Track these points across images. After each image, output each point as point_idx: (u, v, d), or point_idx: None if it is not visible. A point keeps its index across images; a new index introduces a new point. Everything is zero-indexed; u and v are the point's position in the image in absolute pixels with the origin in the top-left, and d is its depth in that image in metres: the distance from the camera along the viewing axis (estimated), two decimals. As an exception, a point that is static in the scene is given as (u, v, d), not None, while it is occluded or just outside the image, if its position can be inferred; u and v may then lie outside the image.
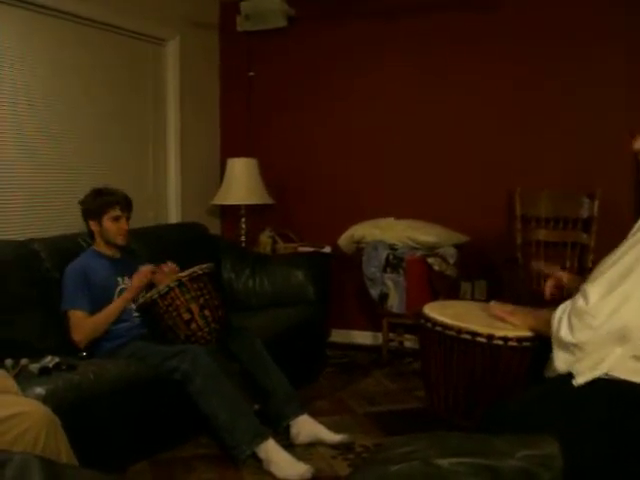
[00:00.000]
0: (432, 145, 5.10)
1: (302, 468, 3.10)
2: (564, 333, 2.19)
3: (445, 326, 2.70)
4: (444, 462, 1.18)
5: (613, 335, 2.12)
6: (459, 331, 2.64)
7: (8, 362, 3.00)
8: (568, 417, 2.05)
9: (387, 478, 1.16)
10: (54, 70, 4.21)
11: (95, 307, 3.46)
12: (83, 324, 3.42)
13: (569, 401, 2.12)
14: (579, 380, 2.15)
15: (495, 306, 2.77)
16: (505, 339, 2.55)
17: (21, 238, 3.74)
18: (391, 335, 5.01)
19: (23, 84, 4.02)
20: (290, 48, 5.54)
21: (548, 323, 2.33)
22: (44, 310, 3.49)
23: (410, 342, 5.03)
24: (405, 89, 5.17)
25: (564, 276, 2.82)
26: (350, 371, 4.75)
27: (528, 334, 2.58)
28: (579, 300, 2.19)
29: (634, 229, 2.26)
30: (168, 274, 3.60)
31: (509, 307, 2.72)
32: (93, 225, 3.62)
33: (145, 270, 3.58)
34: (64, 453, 2.20)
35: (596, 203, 4.46)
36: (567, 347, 2.19)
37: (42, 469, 0.79)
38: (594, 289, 2.18)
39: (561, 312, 2.26)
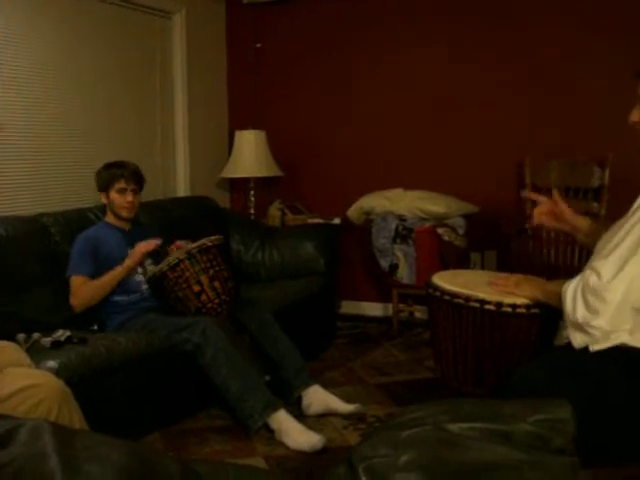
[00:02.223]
0: (441, 115, 5.06)
1: (314, 437, 3.11)
2: (581, 315, 2.17)
3: (453, 294, 2.68)
4: (455, 427, 1.18)
5: (629, 309, 2.10)
6: (467, 299, 2.62)
7: (20, 336, 3.03)
8: (581, 382, 2.05)
9: (398, 443, 1.16)
10: (61, 44, 4.19)
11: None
12: (81, 289, 3.44)
13: (582, 367, 2.11)
14: (595, 347, 2.14)
15: (497, 280, 2.74)
16: (513, 306, 2.54)
17: (31, 213, 3.75)
18: (401, 306, 5.02)
19: (31, 60, 4.00)
20: (297, 19, 5.50)
21: (557, 297, 2.31)
22: (55, 285, 3.51)
23: (420, 313, 5.04)
24: (414, 59, 5.13)
25: (565, 210, 2.70)
26: (360, 342, 4.76)
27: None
28: (592, 277, 2.17)
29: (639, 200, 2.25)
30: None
31: (513, 278, 2.70)
32: (103, 197, 3.67)
33: (151, 242, 3.56)
34: (77, 424, 2.21)
35: (607, 171, 4.42)
36: (584, 328, 2.17)
37: (53, 433, 0.79)
38: (606, 266, 2.16)
39: (573, 291, 2.23)
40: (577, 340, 2.20)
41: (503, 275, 2.79)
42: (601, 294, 2.13)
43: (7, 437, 0.80)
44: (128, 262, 3.50)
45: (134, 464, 0.82)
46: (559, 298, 2.29)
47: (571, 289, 2.24)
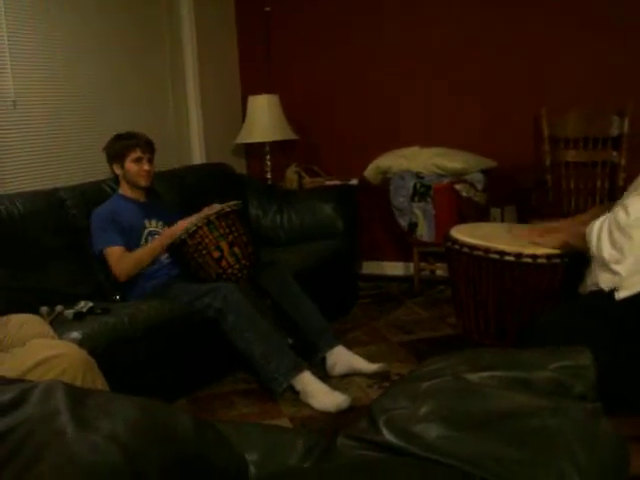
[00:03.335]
0: (455, 70, 4.99)
1: (339, 397, 3.13)
2: (607, 253, 2.14)
3: (472, 247, 2.66)
4: (475, 377, 1.18)
5: None
6: (487, 251, 2.60)
7: (43, 309, 3.05)
8: (604, 330, 2.03)
9: (417, 395, 1.16)
10: (69, 16, 4.17)
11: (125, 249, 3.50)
12: (124, 258, 3.47)
13: (606, 314, 2.09)
14: (621, 294, 2.11)
15: (519, 229, 2.71)
16: (534, 256, 2.52)
17: (46, 187, 3.76)
18: (422, 264, 5.00)
19: (42, 35, 3.98)
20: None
21: (583, 238, 2.28)
22: (74, 257, 3.53)
23: (441, 270, 5.01)
24: (427, 15, 5.05)
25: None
26: (383, 302, 4.77)
27: (557, 251, 2.54)
28: (620, 213, 2.14)
29: None
30: None
31: (536, 229, 2.67)
32: (117, 169, 3.66)
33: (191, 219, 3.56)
34: (102, 392, 2.24)
35: (626, 120, 4.36)
36: (610, 267, 2.14)
37: (66, 392, 0.80)
38: (635, 203, 2.13)
39: (598, 229, 2.20)
40: (605, 281, 2.16)
41: (524, 226, 2.77)
42: (628, 231, 2.09)
43: (21, 398, 0.81)
44: (173, 229, 3.50)
45: (146, 420, 0.83)
46: (584, 239, 2.26)
47: (597, 227, 2.21)
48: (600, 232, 2.18)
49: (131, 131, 3.73)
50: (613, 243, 2.12)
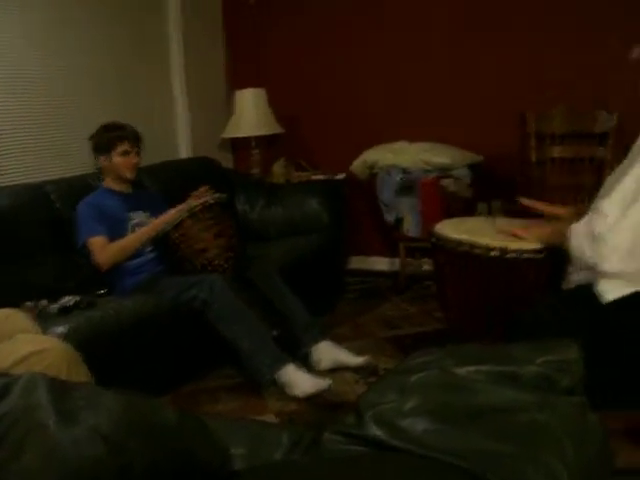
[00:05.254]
0: (442, 65, 4.99)
1: (320, 381, 3.16)
2: (590, 260, 2.15)
3: (457, 242, 2.66)
4: (462, 371, 1.17)
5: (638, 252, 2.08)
6: (471, 246, 2.59)
7: (28, 304, 3.03)
8: (590, 323, 2.03)
9: (404, 389, 1.15)
10: (56, 6, 4.14)
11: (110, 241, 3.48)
12: (107, 247, 3.45)
13: (592, 307, 2.09)
14: (609, 297, 2.11)
15: (503, 224, 2.72)
16: (519, 252, 2.52)
17: (31, 181, 3.74)
18: (408, 259, 5.00)
19: (28, 21, 3.95)
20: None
21: (563, 237, 2.29)
22: (59, 252, 3.53)
23: (428, 265, 5.00)
24: (415, 9, 5.04)
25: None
26: (369, 297, 4.77)
27: (542, 246, 2.54)
28: (598, 222, 2.14)
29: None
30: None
31: (517, 222, 2.67)
32: (103, 160, 3.64)
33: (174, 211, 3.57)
34: (87, 387, 2.22)
35: (614, 116, 4.36)
36: (594, 270, 2.15)
37: (49, 385, 0.79)
38: (610, 207, 2.13)
39: (582, 236, 2.20)
40: (602, 286, 2.16)
41: (509, 221, 2.76)
42: (606, 237, 2.10)
43: (2, 391, 0.80)
44: (163, 218, 3.52)
45: (130, 413, 0.82)
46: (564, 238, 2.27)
47: (575, 234, 2.22)
48: (582, 239, 2.18)
49: (119, 122, 3.71)
50: (595, 253, 2.13)
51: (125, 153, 3.60)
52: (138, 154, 3.66)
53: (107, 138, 3.61)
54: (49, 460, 0.72)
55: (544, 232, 2.54)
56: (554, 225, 2.52)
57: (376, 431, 1.11)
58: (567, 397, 1.18)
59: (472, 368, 1.18)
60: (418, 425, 1.09)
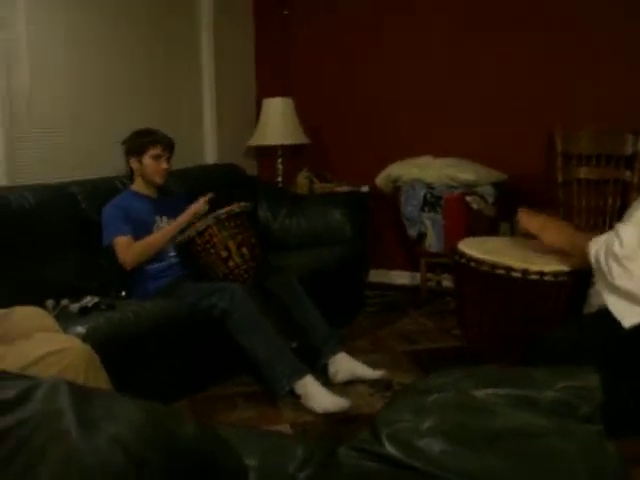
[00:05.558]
0: (471, 82, 4.99)
1: (339, 399, 3.14)
2: (609, 277, 2.14)
3: (479, 261, 2.65)
4: (480, 393, 1.17)
5: None
6: (493, 266, 2.58)
7: (49, 303, 3.06)
8: (611, 349, 2.02)
9: (421, 409, 1.15)
10: (92, 13, 4.18)
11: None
12: (131, 246, 3.47)
13: (614, 333, 2.08)
14: (626, 323, 2.10)
15: (524, 216, 2.69)
16: (541, 274, 2.51)
17: (59, 181, 3.77)
18: (429, 275, 4.99)
19: (60, 26, 4.00)
20: (325, -15, 5.43)
21: (582, 252, 2.27)
22: (82, 252, 3.56)
23: (448, 281, 4.99)
24: (445, 24, 5.04)
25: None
26: (388, 311, 4.75)
27: (564, 268, 2.52)
28: (615, 244, 2.13)
29: None
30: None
31: (540, 218, 2.65)
32: (134, 163, 3.68)
33: (200, 202, 3.62)
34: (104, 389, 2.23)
35: (640, 139, 4.34)
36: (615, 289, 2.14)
37: (71, 391, 0.80)
38: (627, 230, 2.13)
39: (602, 258, 2.19)
40: (613, 307, 2.15)
41: (526, 214, 2.74)
42: (623, 261, 2.09)
43: (25, 395, 0.81)
44: (181, 219, 3.56)
45: (151, 423, 0.83)
46: (583, 253, 2.25)
47: (596, 253, 2.20)
48: (600, 258, 2.17)
49: (152, 128, 3.76)
50: (611, 273, 2.12)
51: (157, 157, 3.63)
52: (168, 160, 3.69)
53: (141, 141, 3.66)
54: (69, 467, 0.73)
55: (562, 237, 2.51)
56: (576, 237, 2.49)
57: (392, 449, 1.11)
58: (585, 424, 1.17)
59: (490, 391, 1.18)
60: (434, 445, 1.09)
